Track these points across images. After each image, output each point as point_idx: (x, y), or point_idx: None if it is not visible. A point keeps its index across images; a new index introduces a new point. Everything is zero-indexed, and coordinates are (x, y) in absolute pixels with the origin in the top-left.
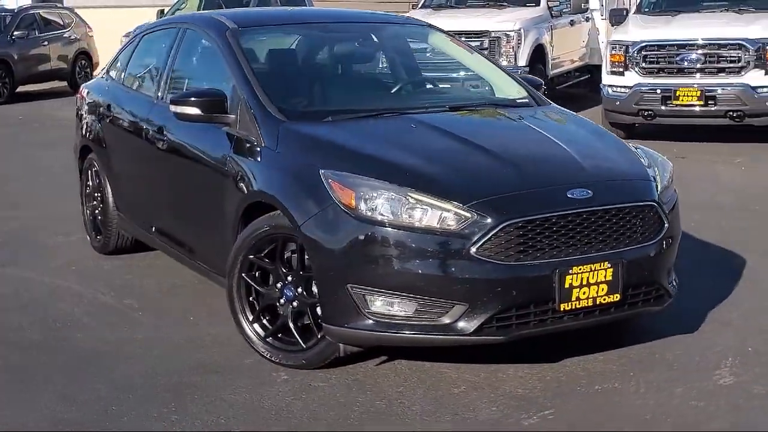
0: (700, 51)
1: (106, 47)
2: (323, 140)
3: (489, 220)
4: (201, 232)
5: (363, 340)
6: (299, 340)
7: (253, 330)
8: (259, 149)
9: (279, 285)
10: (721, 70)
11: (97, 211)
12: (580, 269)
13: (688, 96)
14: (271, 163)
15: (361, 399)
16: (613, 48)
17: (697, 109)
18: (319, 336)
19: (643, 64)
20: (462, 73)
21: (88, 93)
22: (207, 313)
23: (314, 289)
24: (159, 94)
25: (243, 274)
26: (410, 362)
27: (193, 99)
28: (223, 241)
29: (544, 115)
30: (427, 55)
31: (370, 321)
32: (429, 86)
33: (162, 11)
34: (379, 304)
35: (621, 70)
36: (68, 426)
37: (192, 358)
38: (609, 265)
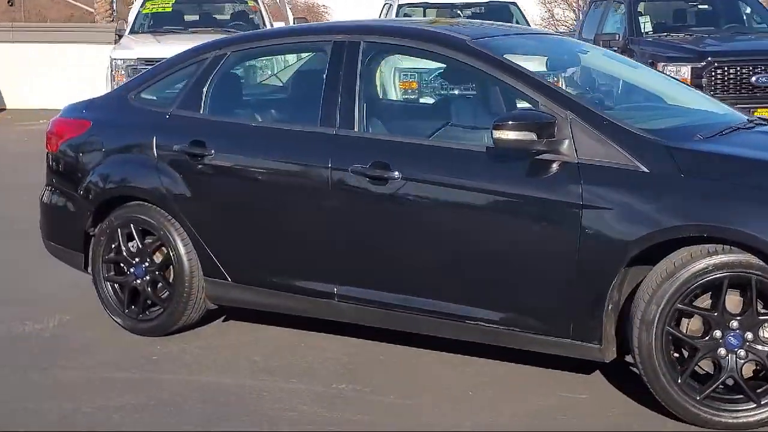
0: None
1: None
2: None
3: None
4: (521, 288)
5: None
6: (752, 396)
7: (682, 391)
8: (637, 177)
9: (717, 333)
10: None
11: (138, 282)
12: None
13: None
14: (689, 190)
15: None
16: None
17: None
18: None
19: None
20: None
21: (101, 127)
22: (468, 383)
23: None
24: (355, 127)
25: (669, 327)
26: None
27: (528, 123)
28: (584, 296)
29: None
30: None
31: None
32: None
33: None
34: None
35: None
36: None
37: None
38: None
